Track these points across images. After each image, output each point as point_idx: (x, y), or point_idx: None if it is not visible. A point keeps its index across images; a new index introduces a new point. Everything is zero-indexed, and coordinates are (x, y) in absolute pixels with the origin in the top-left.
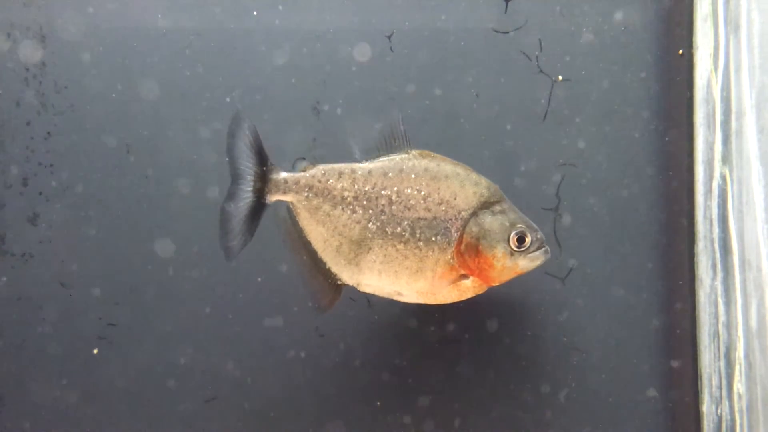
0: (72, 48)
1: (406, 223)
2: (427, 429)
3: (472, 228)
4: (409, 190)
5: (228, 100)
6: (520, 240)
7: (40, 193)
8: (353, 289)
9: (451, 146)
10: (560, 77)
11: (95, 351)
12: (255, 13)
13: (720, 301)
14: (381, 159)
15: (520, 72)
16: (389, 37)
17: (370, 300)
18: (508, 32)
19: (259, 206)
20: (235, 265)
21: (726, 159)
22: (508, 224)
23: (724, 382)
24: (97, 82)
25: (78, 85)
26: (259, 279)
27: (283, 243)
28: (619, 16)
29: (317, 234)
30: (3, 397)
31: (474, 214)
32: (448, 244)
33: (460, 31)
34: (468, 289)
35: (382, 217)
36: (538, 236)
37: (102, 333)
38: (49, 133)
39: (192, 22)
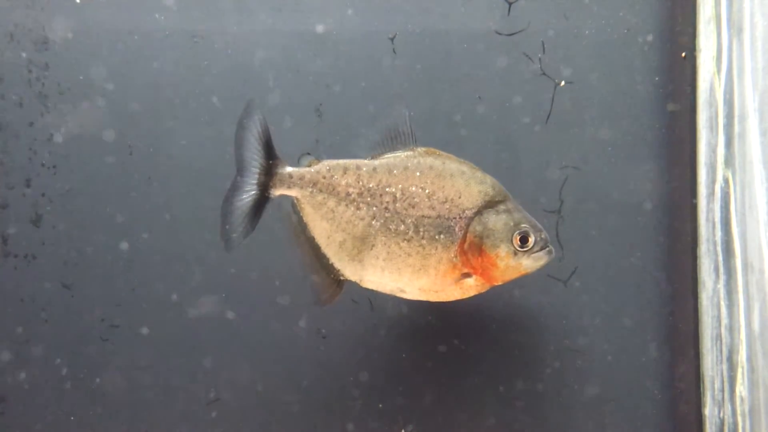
0: (75, 50)
1: (410, 220)
2: (428, 431)
3: (476, 227)
4: (414, 188)
5: (230, 101)
6: (524, 240)
7: (43, 195)
8: (356, 291)
9: (454, 149)
10: (563, 82)
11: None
12: (257, 14)
13: (722, 304)
14: (386, 156)
15: (523, 74)
16: (392, 39)
17: (373, 302)
18: (510, 34)
19: (262, 200)
20: (238, 266)
21: (729, 162)
22: (512, 224)
23: (726, 385)
24: (100, 84)
25: (80, 87)
26: (261, 280)
27: (286, 237)
28: (621, 18)
29: (321, 229)
30: (5, 398)
31: (478, 212)
32: (452, 242)
33: (463, 33)
34: (471, 287)
35: (386, 214)
36: (542, 236)
37: (104, 334)
38: (51, 134)
39: (195, 24)
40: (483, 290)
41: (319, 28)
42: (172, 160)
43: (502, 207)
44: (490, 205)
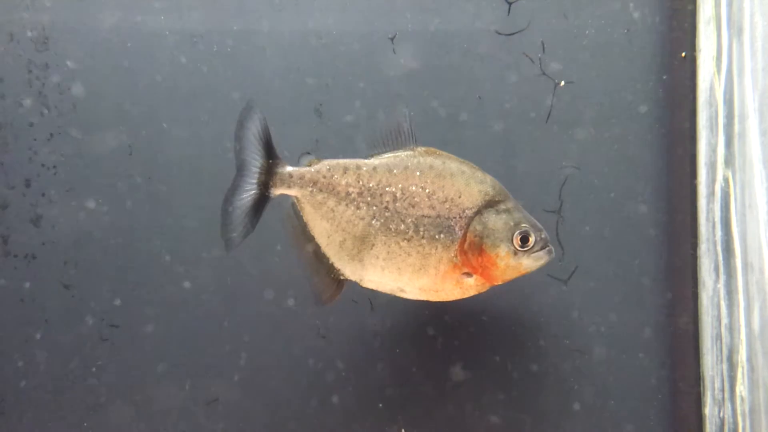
0: (75, 49)
1: (410, 220)
2: (428, 431)
3: (476, 226)
4: (414, 188)
5: (230, 101)
6: (524, 239)
7: (43, 195)
8: (356, 292)
9: (454, 148)
10: (563, 82)
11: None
12: (257, 14)
13: (722, 303)
14: (386, 155)
15: (523, 74)
16: (392, 39)
17: (373, 302)
18: (510, 34)
19: (262, 199)
20: (237, 266)
21: (729, 162)
22: (512, 223)
23: (726, 384)
24: (100, 84)
25: (80, 87)
26: (261, 280)
27: (286, 237)
28: (622, 18)
29: (321, 229)
30: (4, 399)
31: (478, 212)
32: (452, 242)
33: (463, 33)
34: (471, 287)
35: (386, 214)
36: (542, 236)
37: (104, 334)
38: (51, 134)
39: (195, 24)
40: (483, 290)
41: (320, 28)
42: (172, 160)
43: (502, 206)
44: (490, 204)
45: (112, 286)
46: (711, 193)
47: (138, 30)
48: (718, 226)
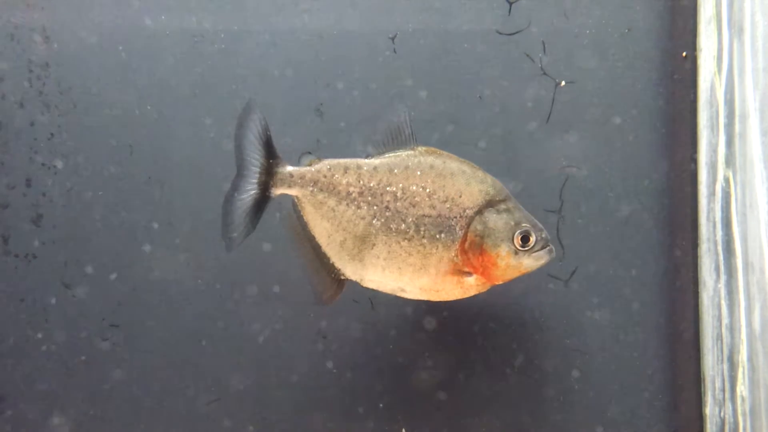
0: (75, 49)
1: (410, 219)
2: (428, 431)
3: (477, 226)
4: (414, 187)
5: (230, 101)
6: (525, 239)
7: (44, 194)
8: (356, 291)
9: (454, 148)
10: (563, 82)
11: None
12: (257, 14)
13: (723, 303)
14: (387, 155)
15: (524, 74)
16: (392, 39)
17: (373, 302)
18: (511, 34)
19: (263, 199)
20: (238, 266)
21: (729, 162)
22: (513, 223)
23: (727, 384)
24: (101, 83)
25: (81, 86)
26: (262, 280)
27: (287, 237)
28: (622, 18)
29: (322, 229)
30: (5, 398)
31: (479, 212)
32: (453, 241)
33: (464, 32)
34: (471, 287)
35: (387, 214)
36: (543, 236)
37: (105, 334)
38: (52, 134)
39: (195, 24)
40: (483, 289)
41: (320, 28)
42: (172, 160)
43: (502, 206)
44: (490, 204)
45: (112, 286)
46: (712, 193)
47: (138, 30)
48: (719, 226)
